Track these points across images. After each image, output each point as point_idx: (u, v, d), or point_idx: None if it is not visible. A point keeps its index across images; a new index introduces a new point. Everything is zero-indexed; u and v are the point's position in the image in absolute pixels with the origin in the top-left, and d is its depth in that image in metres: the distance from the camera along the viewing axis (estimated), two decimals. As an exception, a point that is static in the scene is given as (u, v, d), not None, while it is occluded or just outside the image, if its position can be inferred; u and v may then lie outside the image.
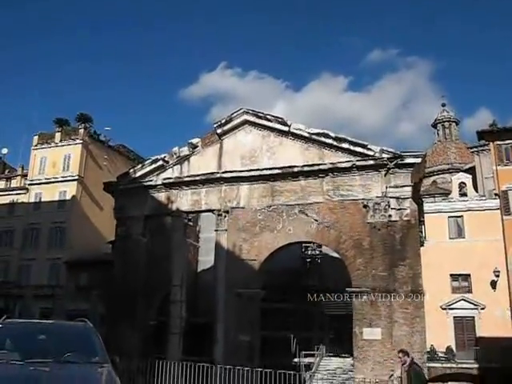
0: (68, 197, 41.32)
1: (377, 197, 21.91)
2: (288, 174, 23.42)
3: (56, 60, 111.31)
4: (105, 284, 29.54)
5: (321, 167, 22.88)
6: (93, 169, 42.59)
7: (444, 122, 51.92)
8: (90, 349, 7.01)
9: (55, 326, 8.13)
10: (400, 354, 11.26)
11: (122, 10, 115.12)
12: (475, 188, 33.10)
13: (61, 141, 43.31)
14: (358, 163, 22.40)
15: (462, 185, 33.25)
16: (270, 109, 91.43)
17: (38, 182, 42.88)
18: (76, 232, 39.69)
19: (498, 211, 30.72)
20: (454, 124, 52.29)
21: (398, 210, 21.69)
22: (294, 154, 23.75)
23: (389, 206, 21.71)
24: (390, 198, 21.80)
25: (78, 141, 42.60)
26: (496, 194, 31.28)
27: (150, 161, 26.72)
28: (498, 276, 29.42)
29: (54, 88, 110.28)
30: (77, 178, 41.57)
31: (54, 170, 42.67)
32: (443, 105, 53.99)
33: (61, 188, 41.80)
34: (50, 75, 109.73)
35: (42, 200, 42.14)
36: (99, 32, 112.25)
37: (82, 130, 43.17)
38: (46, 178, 42.61)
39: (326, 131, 23.37)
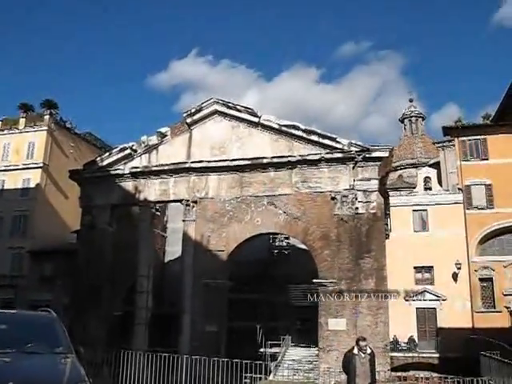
0: (32, 185, 40.33)
1: (344, 189, 22.17)
2: (257, 166, 23.44)
3: (20, 44, 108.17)
4: (69, 274, 29.05)
5: (290, 159, 22.98)
6: (58, 156, 41.65)
7: (411, 117, 52.77)
8: (53, 339, 6.87)
9: (17, 316, 7.94)
10: (364, 343, 10.74)
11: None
12: (440, 182, 33.79)
13: (25, 127, 42.17)
14: (327, 156, 22.60)
15: (426, 179, 33.89)
16: (242, 98, 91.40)
17: (0, 168, 41.69)
18: (40, 221, 38.81)
19: (461, 205, 31.49)
20: (420, 119, 53.21)
21: (365, 202, 22.01)
22: (263, 145, 23.78)
23: (356, 199, 22.00)
24: (358, 190, 22.11)
25: (43, 127, 41.55)
26: (459, 189, 32.02)
27: (118, 149, 26.34)
28: (459, 268, 30.20)
29: (19, 72, 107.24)
30: (41, 165, 40.58)
31: (18, 156, 41.54)
32: (410, 100, 54.88)
33: (24, 175, 40.77)
34: (14, 59, 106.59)
35: (5, 188, 41.02)
36: (66, 14, 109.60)
37: (47, 117, 42.11)
38: (8, 165, 41.48)
39: (295, 123, 23.45)
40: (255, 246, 26.50)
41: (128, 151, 25.81)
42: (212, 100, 24.93)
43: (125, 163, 25.88)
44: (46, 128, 41.45)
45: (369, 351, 10.80)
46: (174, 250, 31.75)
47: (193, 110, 25.06)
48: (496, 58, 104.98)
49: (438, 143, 36.93)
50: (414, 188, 34.78)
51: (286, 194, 23.00)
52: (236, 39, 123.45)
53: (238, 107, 24.54)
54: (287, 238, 32.47)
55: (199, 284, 22.73)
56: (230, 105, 24.69)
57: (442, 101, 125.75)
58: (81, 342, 8.35)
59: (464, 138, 32.89)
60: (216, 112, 24.89)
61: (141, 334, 23.35)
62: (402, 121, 53.91)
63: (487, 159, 32.08)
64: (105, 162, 26.31)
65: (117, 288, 25.00)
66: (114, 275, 24.65)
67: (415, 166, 45.43)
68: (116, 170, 25.82)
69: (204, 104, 25.01)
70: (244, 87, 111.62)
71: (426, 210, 31.95)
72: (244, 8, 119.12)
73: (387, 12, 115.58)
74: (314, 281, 21.76)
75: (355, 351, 10.78)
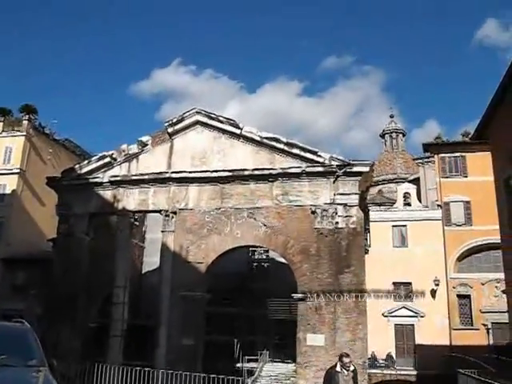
0: (8, 191, 39.62)
1: (325, 203, 22.28)
2: (238, 177, 23.43)
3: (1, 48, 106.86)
4: (44, 283, 28.54)
5: (271, 171, 23.05)
6: (36, 163, 41.06)
7: (391, 132, 53.52)
8: (26, 351, 6.73)
9: (-11, 327, 7.76)
10: (347, 359, 10.51)
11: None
12: (419, 198, 34.23)
13: (2, 131, 41.54)
14: (308, 169, 22.72)
15: (406, 195, 34.32)
16: (223, 109, 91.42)
17: (-25, 174, 40.91)
18: (15, 228, 38.11)
19: (440, 221, 31.89)
20: (401, 135, 53.99)
21: (345, 217, 22.13)
22: (244, 157, 23.81)
23: (336, 213, 22.11)
24: (338, 204, 22.22)
25: (21, 132, 40.98)
26: (438, 205, 32.46)
27: (97, 157, 26.11)
28: (437, 285, 30.50)
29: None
30: (18, 171, 39.94)
31: (-6, 162, 40.87)
32: (391, 116, 55.71)
33: (0, 181, 40.09)
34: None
35: (-20, 193, 40.26)
36: (49, 19, 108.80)
37: (25, 122, 41.51)
38: (-16, 170, 40.74)
39: (277, 136, 23.55)
40: (234, 259, 26.38)
41: (107, 159, 25.60)
42: (194, 110, 24.93)
43: (104, 171, 25.65)
44: (24, 133, 40.86)
45: (352, 368, 10.58)
46: (151, 260, 31.46)
47: (174, 120, 25.01)
48: (477, 77, 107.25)
49: (418, 159, 37.48)
50: (394, 203, 35.18)
51: (266, 207, 23.00)
52: (220, 50, 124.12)
53: (220, 118, 24.57)
54: (267, 251, 32.46)
55: (177, 296, 22.49)
56: (212, 115, 24.70)
57: (423, 117, 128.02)
58: (54, 354, 8.20)
59: (444, 155, 33.45)
60: (198, 122, 24.88)
61: (116, 346, 22.98)
62: (382, 136, 54.62)
63: (466, 176, 32.64)
64: (83, 170, 26.04)
65: (92, 299, 24.62)
66: (89, 285, 24.27)
67: (395, 181, 45.99)
68: (95, 178, 25.55)
69: (186, 114, 24.98)
70: (226, 98, 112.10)
71: (405, 226, 32.30)
72: (229, 19, 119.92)
73: (370, 27, 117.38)
74: (293, 295, 21.72)
75: (338, 368, 10.53)
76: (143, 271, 34.45)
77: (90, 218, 25.45)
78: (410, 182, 37.46)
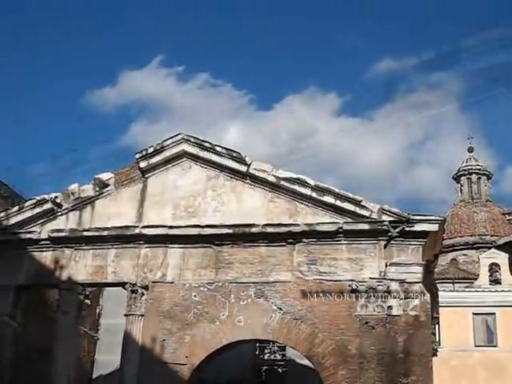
0: None
1: (372, 278, 22.18)
2: (242, 237, 23.46)
3: None
4: None
5: (291, 229, 23.05)
6: None
7: (470, 173, 53.59)
8: None
9: None
10: None
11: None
12: (513, 273, 33.96)
13: None
14: (347, 227, 22.71)
15: (493, 267, 34.09)
16: (223, 133, 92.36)
17: None
18: None
19: (546, 309, 31.55)
20: (484, 178, 53.98)
21: (403, 299, 21.97)
22: (252, 207, 23.92)
23: (389, 293, 21.99)
24: (392, 280, 22.13)
25: None
26: (543, 284, 32.17)
27: (33, 202, 26.19)
28: (545, 407, 29.91)
29: None
30: None
31: None
32: (470, 150, 55.84)
33: None
34: None
35: None
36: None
37: None
38: None
39: (301, 176, 23.66)
40: (233, 360, 26.27)
41: (48, 206, 25.70)
42: (179, 136, 25.14)
43: (42, 223, 25.74)
44: None
45: None
46: (108, 359, 31.38)
47: (150, 150, 25.20)
48: None
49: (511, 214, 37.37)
50: (476, 280, 34.92)
51: (283, 282, 22.91)
52: (220, 45, 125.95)
53: (218, 149, 24.76)
54: (283, 349, 32.20)
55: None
56: (205, 145, 24.91)
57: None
58: None
59: (550, 209, 33.40)
60: (184, 154, 25.09)
61: None
62: (457, 178, 54.72)
63: None
64: (12, 221, 26.11)
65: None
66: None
67: (476, 246, 45.82)
68: (28, 232, 25.66)
69: (167, 142, 25.20)
70: (228, 116, 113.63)
71: (493, 314, 31.99)
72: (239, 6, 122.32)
73: (443, 11, 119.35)
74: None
75: None
76: (94, 375, 34.21)
77: (18, 292, 25.42)
78: (499, 248, 37.29)
